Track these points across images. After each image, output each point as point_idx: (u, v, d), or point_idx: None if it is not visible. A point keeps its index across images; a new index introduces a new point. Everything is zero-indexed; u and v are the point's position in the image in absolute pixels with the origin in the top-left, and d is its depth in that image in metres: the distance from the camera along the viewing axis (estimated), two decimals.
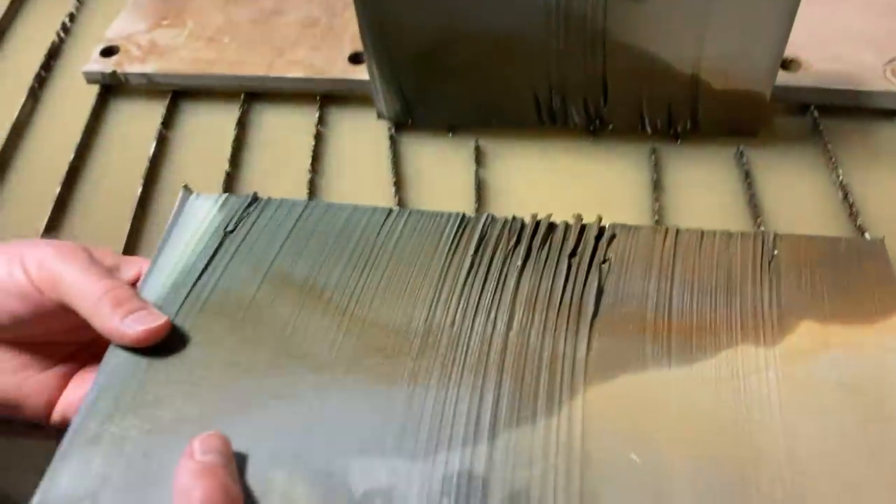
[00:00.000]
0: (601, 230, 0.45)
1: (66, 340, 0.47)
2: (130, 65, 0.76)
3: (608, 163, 0.70)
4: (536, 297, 0.41)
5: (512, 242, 0.44)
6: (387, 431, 0.37)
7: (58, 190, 0.69)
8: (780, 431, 0.36)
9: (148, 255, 0.64)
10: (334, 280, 0.43)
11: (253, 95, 0.76)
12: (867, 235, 0.62)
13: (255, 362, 0.39)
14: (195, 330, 0.41)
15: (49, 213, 0.67)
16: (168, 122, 0.75)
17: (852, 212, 0.64)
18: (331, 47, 0.76)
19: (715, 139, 0.70)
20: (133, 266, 0.47)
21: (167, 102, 0.76)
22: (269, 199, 0.47)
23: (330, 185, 0.69)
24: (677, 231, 0.45)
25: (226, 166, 0.70)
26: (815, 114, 0.71)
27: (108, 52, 0.77)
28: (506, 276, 0.42)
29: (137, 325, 0.40)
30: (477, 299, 0.41)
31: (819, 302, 0.41)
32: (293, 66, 0.74)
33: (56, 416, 0.46)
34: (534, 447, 0.36)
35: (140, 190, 0.69)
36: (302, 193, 0.67)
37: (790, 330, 0.40)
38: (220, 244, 0.45)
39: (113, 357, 0.41)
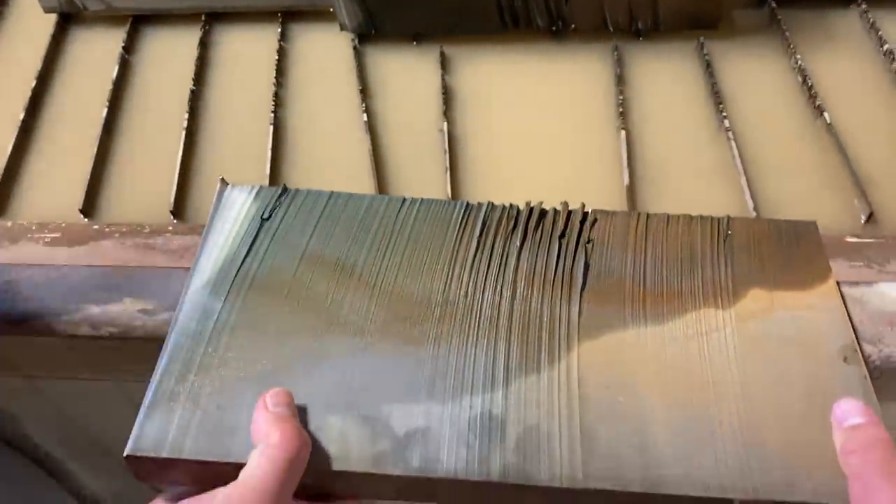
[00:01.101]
0: (585, 215, 0.52)
1: None
2: None
3: (572, 63, 0.71)
4: (534, 272, 0.48)
5: (510, 226, 0.51)
6: (419, 383, 0.43)
7: (21, 116, 0.68)
8: (736, 376, 0.44)
9: (124, 180, 0.65)
10: (362, 260, 0.49)
11: (214, 16, 0.76)
12: (826, 115, 0.63)
13: (303, 329, 0.45)
14: (246, 306, 0.46)
15: (14, 139, 0.67)
16: (129, 48, 0.75)
17: (811, 94, 0.65)
18: None
19: (675, 35, 0.71)
20: None
21: (127, 28, 0.75)
22: (297, 189, 0.53)
23: (295, 98, 0.69)
24: (647, 216, 0.52)
25: (190, 85, 0.69)
26: (773, 4, 0.72)
27: None
28: (507, 255, 0.49)
29: None
30: (485, 275, 0.48)
31: (765, 273, 0.49)
32: None
33: None
34: (540, 392, 0.43)
35: (105, 113, 0.68)
36: (267, 108, 0.67)
37: (743, 296, 0.47)
38: (258, 231, 0.50)
39: (180, 325, 0.45)
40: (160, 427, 0.41)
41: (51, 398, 0.61)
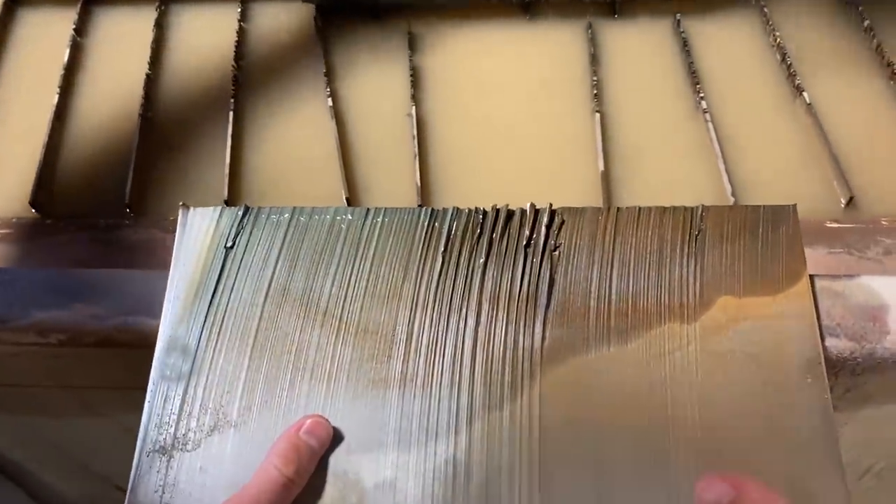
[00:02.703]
0: (552, 216, 0.50)
1: None
2: None
3: (545, 42, 0.68)
4: (499, 291, 0.47)
5: (476, 235, 0.49)
6: (386, 429, 0.44)
7: None
8: (696, 402, 0.43)
9: (77, 171, 0.62)
10: (327, 290, 0.48)
11: None
12: (805, 95, 0.61)
13: (272, 378, 0.45)
14: (217, 352, 0.46)
15: None
16: (81, 29, 0.71)
17: (790, 73, 0.63)
18: None
19: (651, 12, 0.68)
20: None
21: (78, 8, 0.72)
22: (259, 209, 0.51)
23: (257, 82, 0.66)
24: (618, 210, 0.50)
25: (146, 69, 0.66)
26: None
27: None
28: (472, 271, 0.48)
29: None
30: (450, 298, 0.47)
31: (736, 276, 0.47)
32: None
33: None
34: (502, 431, 0.43)
35: (56, 99, 0.65)
36: (227, 93, 0.64)
37: (710, 305, 0.46)
38: (224, 261, 0.49)
39: (157, 370, 0.46)
40: (148, 490, 0.43)
41: (3, 403, 0.58)
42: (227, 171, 0.60)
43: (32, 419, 0.59)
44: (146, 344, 0.46)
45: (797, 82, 0.62)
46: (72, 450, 0.63)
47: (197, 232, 0.50)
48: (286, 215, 0.51)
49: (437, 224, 0.50)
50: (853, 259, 0.54)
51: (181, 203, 0.50)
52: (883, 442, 0.56)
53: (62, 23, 0.71)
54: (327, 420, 0.43)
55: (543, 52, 0.67)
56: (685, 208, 0.50)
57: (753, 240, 0.48)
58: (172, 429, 0.44)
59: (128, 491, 0.42)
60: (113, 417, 0.58)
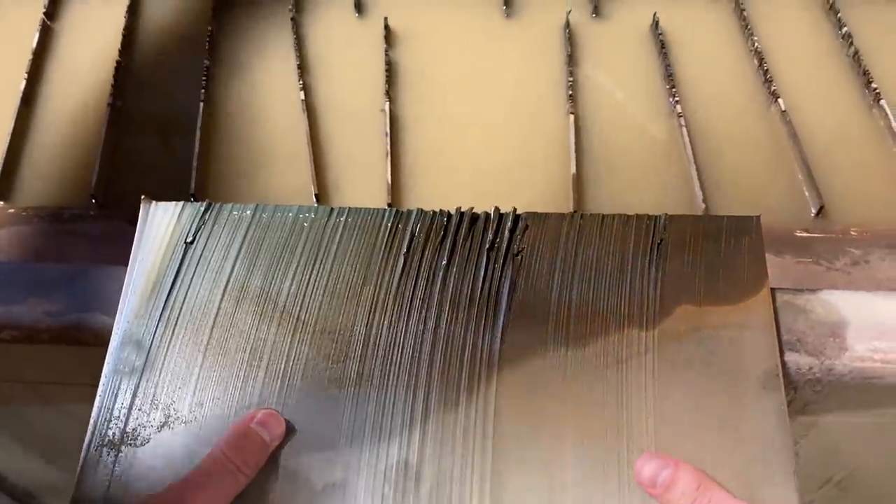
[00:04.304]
0: (516, 221, 0.50)
1: None
2: None
3: (522, 41, 0.67)
4: (460, 294, 0.47)
5: (439, 237, 0.49)
6: (339, 428, 0.43)
7: None
8: (652, 409, 0.43)
9: (43, 159, 0.61)
10: (286, 289, 0.47)
11: None
12: (780, 102, 0.61)
13: (226, 376, 0.45)
14: (172, 348, 0.46)
15: None
16: (52, 14, 0.70)
17: (766, 79, 0.63)
18: None
19: (629, 13, 0.68)
20: None
21: None
22: (221, 206, 0.51)
23: (230, 74, 0.65)
24: (582, 217, 0.50)
25: (115, 56, 0.65)
26: None
27: None
28: (434, 274, 0.48)
29: None
30: (409, 300, 0.47)
31: (696, 285, 0.47)
32: None
33: None
34: (456, 433, 0.43)
35: (24, 86, 0.64)
36: (198, 84, 0.63)
37: (669, 313, 0.46)
38: (183, 257, 0.48)
39: (112, 365, 0.45)
40: (95, 484, 0.42)
41: None
42: (195, 163, 0.59)
43: None
44: (100, 342, 0.45)
45: (773, 88, 0.62)
46: (37, 443, 0.62)
47: (157, 226, 0.49)
48: (248, 212, 0.50)
49: (400, 225, 0.49)
50: (821, 269, 0.54)
51: (143, 197, 0.50)
52: (844, 453, 0.56)
53: (32, 6, 0.70)
54: (280, 415, 0.43)
55: (520, 50, 0.67)
56: (648, 217, 0.49)
57: (716, 250, 0.48)
58: (122, 423, 0.43)
59: (75, 483, 0.42)
60: (65, 408, 0.57)
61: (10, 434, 0.61)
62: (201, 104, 0.62)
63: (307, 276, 0.48)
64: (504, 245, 0.48)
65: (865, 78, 0.63)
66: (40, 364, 0.51)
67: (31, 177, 0.60)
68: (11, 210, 0.58)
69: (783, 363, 0.44)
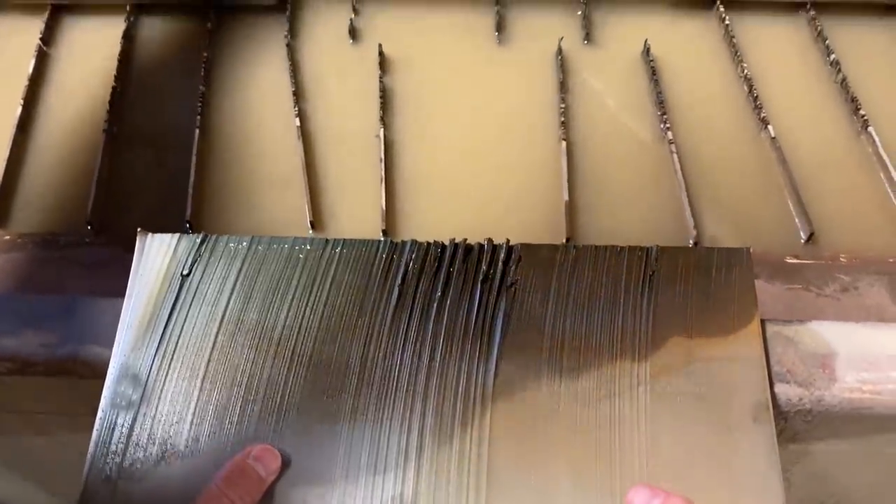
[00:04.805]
0: (509, 252, 0.50)
1: None
2: None
3: (515, 66, 0.68)
4: (454, 326, 0.48)
5: (433, 269, 0.49)
6: (334, 462, 0.44)
7: None
8: (643, 444, 0.44)
9: (38, 185, 0.61)
10: (282, 320, 0.48)
11: (140, 7, 0.72)
12: (770, 129, 0.62)
13: (221, 409, 0.45)
14: (169, 384, 0.46)
15: None
16: (48, 39, 0.70)
17: (756, 105, 0.64)
18: None
19: (621, 40, 0.69)
20: None
21: (46, 17, 0.71)
22: (218, 237, 0.51)
23: (225, 100, 0.66)
24: (575, 249, 0.51)
25: (111, 82, 0.65)
26: (721, 8, 0.70)
27: None
28: (428, 306, 0.48)
29: None
30: (404, 333, 0.47)
31: (687, 317, 0.48)
32: None
33: None
34: (451, 466, 0.44)
35: (20, 112, 0.64)
36: (194, 110, 0.63)
37: (660, 346, 0.47)
38: (180, 290, 0.49)
39: (108, 398, 0.45)
40: None
41: None
42: (191, 189, 0.59)
43: None
44: (96, 374, 0.45)
45: (762, 114, 0.63)
46: (30, 470, 0.62)
47: (154, 258, 0.50)
48: (244, 244, 0.50)
49: (395, 256, 0.50)
50: (811, 296, 0.54)
51: (139, 229, 0.50)
52: (834, 478, 0.57)
53: (29, 31, 0.70)
54: (276, 450, 0.43)
55: (513, 77, 0.67)
56: (640, 248, 0.50)
57: (706, 282, 0.49)
58: (119, 458, 0.43)
59: None
60: (60, 438, 0.57)
61: (9, 463, 0.61)
62: (197, 130, 0.63)
63: (302, 309, 0.48)
64: (497, 276, 0.49)
65: (853, 105, 0.64)
66: (35, 395, 0.51)
67: (26, 203, 0.60)
68: (7, 237, 0.58)
69: (773, 395, 0.45)
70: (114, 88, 0.65)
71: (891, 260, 0.56)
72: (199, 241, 0.50)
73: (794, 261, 0.56)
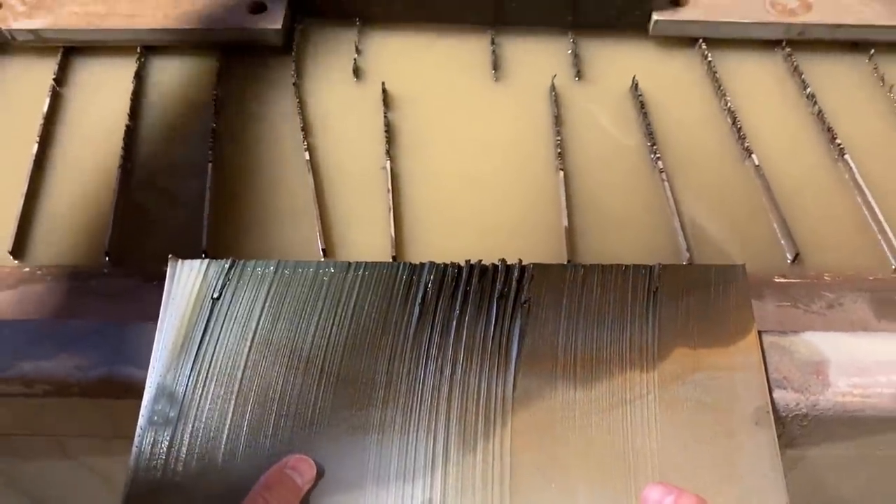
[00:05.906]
0: (522, 271, 0.53)
1: None
2: (16, 21, 0.72)
3: (511, 102, 0.72)
4: (473, 341, 0.51)
5: (452, 288, 0.52)
6: (364, 473, 0.46)
7: None
8: (654, 446, 0.47)
9: (56, 220, 0.63)
10: (310, 339, 0.50)
11: (150, 48, 0.74)
12: (754, 157, 0.66)
13: (258, 424, 0.47)
14: (204, 401, 0.48)
15: None
16: (61, 80, 0.73)
17: (740, 136, 0.68)
18: None
19: (611, 77, 0.73)
20: None
21: (59, 59, 0.73)
22: (245, 262, 0.54)
23: (235, 136, 0.68)
24: (583, 268, 0.54)
25: (125, 120, 0.68)
26: (703, 45, 0.74)
27: None
28: (448, 323, 0.51)
29: None
30: (426, 349, 0.50)
31: (690, 329, 0.51)
32: (190, 17, 0.72)
33: None
34: (475, 473, 0.46)
35: (36, 149, 0.66)
36: (205, 146, 0.66)
37: (666, 356, 0.50)
38: (211, 312, 0.51)
39: (145, 419, 0.47)
40: None
41: None
42: (206, 221, 0.62)
43: (12, 468, 0.59)
44: (129, 394, 0.47)
45: (746, 144, 0.67)
46: (46, 496, 0.63)
47: (185, 283, 0.52)
48: (271, 268, 0.53)
49: (414, 277, 0.53)
50: (799, 312, 0.58)
51: (170, 255, 0.52)
52: (828, 484, 0.60)
53: (42, 72, 0.72)
54: (311, 460, 0.45)
55: (510, 111, 0.71)
56: (644, 266, 0.53)
57: (706, 296, 0.52)
58: (159, 473, 0.45)
59: None
60: (85, 463, 0.59)
61: (28, 492, 0.62)
62: (210, 164, 0.65)
63: (329, 328, 0.51)
64: (512, 294, 0.52)
65: (829, 134, 0.68)
66: (63, 417, 0.52)
67: (44, 237, 0.62)
68: (27, 269, 0.59)
69: (772, 400, 0.48)
70: (127, 126, 0.68)
71: (871, 278, 0.60)
72: (227, 266, 0.53)
73: (782, 280, 0.60)
